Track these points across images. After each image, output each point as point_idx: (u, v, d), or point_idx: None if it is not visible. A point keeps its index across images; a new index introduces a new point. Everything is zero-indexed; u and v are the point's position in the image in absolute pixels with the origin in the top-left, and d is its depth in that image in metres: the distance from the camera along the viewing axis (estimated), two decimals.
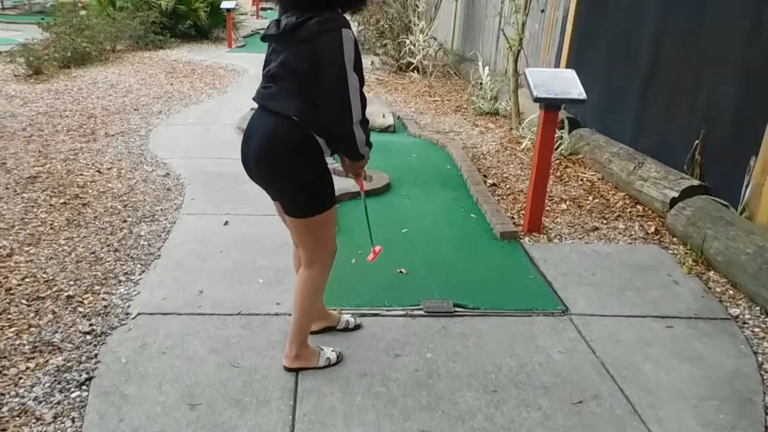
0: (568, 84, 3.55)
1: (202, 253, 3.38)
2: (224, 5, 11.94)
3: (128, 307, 2.81)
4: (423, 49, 9.09)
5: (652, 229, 3.95)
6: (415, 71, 9.19)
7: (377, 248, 2.51)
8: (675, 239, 3.82)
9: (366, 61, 10.59)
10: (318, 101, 2.00)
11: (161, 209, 4.00)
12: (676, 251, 3.67)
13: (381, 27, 10.14)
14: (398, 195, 4.44)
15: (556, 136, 5.39)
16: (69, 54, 9.00)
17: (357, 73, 2.00)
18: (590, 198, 4.50)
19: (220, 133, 5.93)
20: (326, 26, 1.94)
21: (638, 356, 2.63)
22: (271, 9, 20.21)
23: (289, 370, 2.39)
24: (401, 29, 9.67)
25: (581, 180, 4.88)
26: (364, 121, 2.08)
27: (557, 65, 6.10)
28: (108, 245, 3.44)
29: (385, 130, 6.35)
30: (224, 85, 8.60)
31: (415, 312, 2.87)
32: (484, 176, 4.87)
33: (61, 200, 4.07)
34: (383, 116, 6.44)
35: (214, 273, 3.16)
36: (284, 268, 3.17)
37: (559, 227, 3.96)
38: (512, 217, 4.05)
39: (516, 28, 6.12)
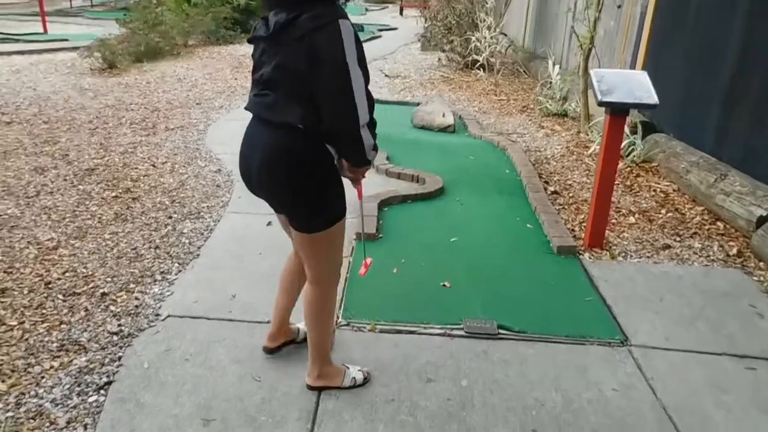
0: (639, 87, 3.17)
1: (240, 255, 3.29)
2: None
3: (159, 308, 2.75)
4: (489, 46, 8.75)
5: (734, 251, 3.52)
6: (482, 69, 8.86)
7: (368, 260, 2.30)
8: (761, 264, 3.38)
9: (432, 57, 10.37)
10: (319, 104, 1.80)
11: (207, 206, 3.96)
12: (762, 278, 3.24)
13: (448, 23, 9.86)
14: (451, 200, 4.20)
15: (628, 141, 4.99)
16: (142, 49, 9.30)
17: (361, 68, 1.79)
18: (663, 211, 4.09)
19: None
20: (321, 21, 1.73)
21: (708, 401, 2.29)
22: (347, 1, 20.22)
23: (311, 388, 2.24)
24: (469, 25, 9.36)
25: (654, 191, 4.45)
26: (372, 123, 1.88)
27: (633, 65, 5.64)
28: (150, 242, 3.42)
29: (444, 129, 6.11)
30: None
31: (455, 332, 2.65)
32: (546, 183, 4.54)
33: (113, 193, 4.12)
34: (443, 115, 6.20)
35: (250, 276, 3.06)
36: None
37: (625, 243, 3.60)
38: (572, 230, 3.72)
39: (587, 25, 5.72)
